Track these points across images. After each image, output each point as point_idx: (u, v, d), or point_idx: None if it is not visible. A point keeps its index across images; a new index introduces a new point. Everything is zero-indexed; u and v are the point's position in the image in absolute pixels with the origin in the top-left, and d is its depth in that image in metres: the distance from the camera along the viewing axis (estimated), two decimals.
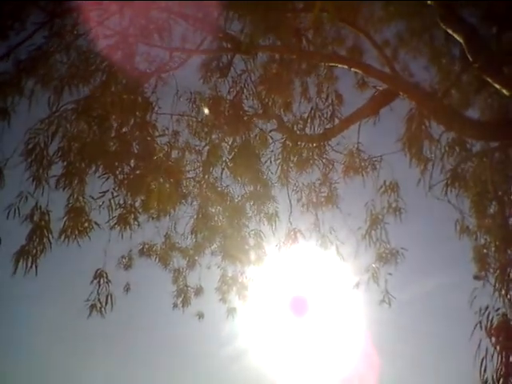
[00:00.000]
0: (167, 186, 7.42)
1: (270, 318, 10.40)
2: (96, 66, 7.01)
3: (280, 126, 8.59)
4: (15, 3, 6.93)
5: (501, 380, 6.05)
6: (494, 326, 6.22)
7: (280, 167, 8.77)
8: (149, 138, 7.42)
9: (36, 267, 6.66)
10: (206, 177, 9.19)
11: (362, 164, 8.65)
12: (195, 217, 9.44)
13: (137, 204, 7.55)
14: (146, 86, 7.52)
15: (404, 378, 11.80)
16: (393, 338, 11.68)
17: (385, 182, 8.43)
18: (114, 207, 7.23)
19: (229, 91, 8.73)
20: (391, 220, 8.46)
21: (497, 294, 6.55)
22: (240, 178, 8.93)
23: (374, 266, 8.56)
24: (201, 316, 10.39)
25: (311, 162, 8.77)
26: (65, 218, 7.02)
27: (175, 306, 10.18)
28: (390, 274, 8.55)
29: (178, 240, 9.89)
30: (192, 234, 9.60)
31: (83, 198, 7.11)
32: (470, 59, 6.83)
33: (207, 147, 8.98)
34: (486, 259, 7.87)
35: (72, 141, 7.03)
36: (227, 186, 9.33)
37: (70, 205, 7.08)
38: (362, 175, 8.65)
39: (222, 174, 9.08)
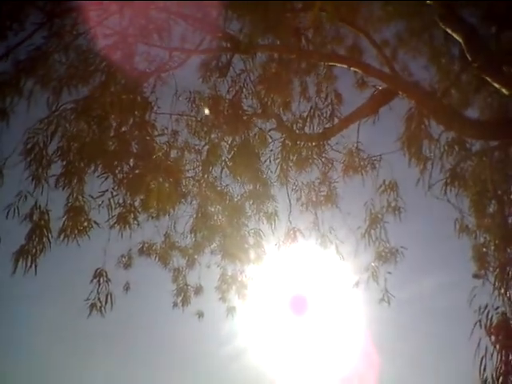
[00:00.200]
0: (167, 185, 7.42)
1: (269, 316, 10.40)
2: (95, 65, 7.00)
3: (279, 126, 8.59)
4: (14, 3, 6.93)
5: (500, 378, 6.06)
6: (494, 324, 6.23)
7: (279, 166, 8.76)
8: (148, 138, 7.42)
9: (35, 267, 6.67)
10: (206, 176, 9.19)
11: (362, 163, 8.65)
12: (195, 216, 9.44)
13: (136, 203, 7.56)
14: (146, 86, 7.53)
15: (404, 376, 11.82)
16: (392, 337, 11.71)
17: (384, 181, 8.43)
18: (113, 206, 7.23)
19: (228, 91, 8.75)
20: (391, 219, 8.46)
21: (496, 292, 6.56)
22: (239, 178, 8.92)
23: (373, 264, 8.56)
24: (200, 315, 10.39)
25: (310, 161, 8.77)
26: (64, 218, 7.02)
27: (175, 305, 10.18)
28: (389, 272, 8.56)
29: (178, 239, 9.90)
30: (191, 233, 9.61)
31: (83, 197, 7.11)
32: (470, 59, 6.84)
33: (206, 146, 8.98)
34: (486, 258, 7.87)
35: (71, 140, 7.03)
36: (227, 185, 9.35)
37: (69, 204, 7.08)
38: (362, 174, 8.65)
39: (221, 173, 9.09)
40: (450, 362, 11.50)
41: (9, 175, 6.89)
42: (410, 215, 8.61)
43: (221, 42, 8.03)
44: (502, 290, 6.58)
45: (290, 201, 9.14)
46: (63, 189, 7.00)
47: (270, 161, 8.81)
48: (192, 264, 10.09)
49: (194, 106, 8.99)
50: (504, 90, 6.62)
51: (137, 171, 7.29)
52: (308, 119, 8.38)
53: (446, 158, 7.80)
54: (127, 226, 7.43)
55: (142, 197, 7.51)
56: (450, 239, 8.53)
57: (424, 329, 12.37)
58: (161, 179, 7.30)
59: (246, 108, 8.65)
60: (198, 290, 10.30)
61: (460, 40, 6.93)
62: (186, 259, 10.06)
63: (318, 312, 9.83)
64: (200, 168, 9.19)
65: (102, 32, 7.03)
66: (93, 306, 7.29)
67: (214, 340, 12.37)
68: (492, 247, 7.81)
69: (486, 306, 6.31)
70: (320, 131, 8.37)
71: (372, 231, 8.39)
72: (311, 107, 8.53)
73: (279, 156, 8.73)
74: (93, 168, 6.99)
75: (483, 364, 6.06)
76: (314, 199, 9.23)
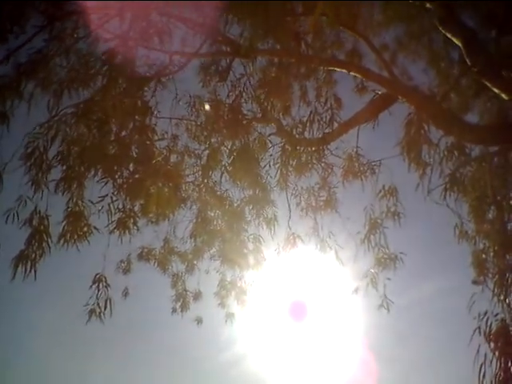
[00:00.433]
0: (166, 190, 7.42)
1: (268, 322, 10.39)
2: (96, 69, 7.01)
3: (279, 130, 8.60)
4: (15, 6, 6.94)
5: None
6: (493, 331, 6.20)
7: (279, 171, 8.76)
8: (148, 142, 7.41)
9: (35, 272, 6.63)
10: (205, 181, 9.20)
11: (361, 168, 8.64)
12: (194, 221, 9.45)
13: (136, 208, 7.54)
14: (146, 90, 7.52)
15: (403, 383, 11.79)
16: (391, 343, 11.69)
17: (384, 186, 8.42)
18: (113, 211, 7.19)
19: (228, 95, 8.76)
20: (390, 224, 8.46)
21: (496, 299, 6.53)
22: (239, 182, 8.92)
23: (372, 270, 8.54)
24: (199, 321, 10.38)
25: (310, 166, 8.75)
26: (64, 223, 6.99)
27: (174, 310, 10.17)
28: (388, 278, 8.53)
29: (177, 244, 9.91)
30: (191, 238, 9.61)
31: (82, 202, 7.08)
32: (469, 63, 6.85)
33: (206, 151, 8.99)
34: (485, 264, 7.85)
35: (71, 145, 7.02)
36: (226, 190, 9.35)
37: (69, 209, 7.05)
38: (361, 179, 8.64)
39: (221, 177, 9.09)
40: (450, 368, 11.48)
41: (9, 180, 6.87)
42: (410, 220, 8.61)
43: (221, 46, 8.07)
44: (502, 297, 6.55)
45: (289, 206, 9.15)
46: (63, 194, 6.98)
47: (270, 165, 8.82)
48: (191, 269, 10.08)
49: (194, 110, 9.01)
50: (503, 95, 6.63)
51: (137, 176, 7.28)
52: (308, 124, 8.38)
53: (445, 163, 7.79)
54: (127, 231, 7.41)
55: (141, 202, 7.50)
56: (449, 245, 8.53)
57: (423, 335, 12.35)
58: (160, 184, 7.30)
59: (245, 112, 8.66)
60: (197, 296, 10.29)
61: (459, 44, 6.94)
62: (186, 264, 10.06)
63: (318, 318, 9.82)
64: (200, 173, 9.19)
65: (102, 36, 7.04)
66: (92, 311, 7.27)
67: (213, 346, 12.35)
68: (491, 253, 7.79)
69: (486, 313, 6.28)
70: (320, 136, 8.36)
71: (371, 236, 8.37)
72: (311, 112, 8.54)
73: (279, 161, 8.72)
74: (93, 173, 6.97)
75: (482, 371, 6.03)
76: (313, 204, 9.23)
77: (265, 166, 8.82)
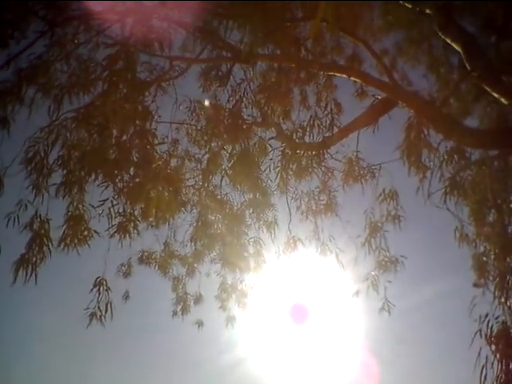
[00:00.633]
0: (166, 194, 7.42)
1: (269, 325, 10.40)
2: (96, 74, 7.02)
3: (279, 134, 8.60)
4: (16, 12, 6.95)
5: None
6: (494, 333, 6.20)
7: (279, 175, 8.76)
8: (148, 147, 7.42)
9: (36, 276, 6.65)
10: (206, 185, 9.22)
11: (361, 172, 8.64)
12: (195, 224, 9.47)
13: (136, 212, 7.55)
14: (146, 95, 7.53)
15: None
16: (392, 346, 11.68)
17: (384, 190, 8.42)
18: (113, 215, 7.21)
19: (228, 100, 8.78)
20: (390, 228, 8.45)
21: (496, 301, 6.53)
22: (239, 186, 8.94)
23: (373, 273, 8.53)
24: (200, 324, 10.38)
25: (310, 170, 8.75)
26: (64, 227, 7.01)
27: (175, 313, 10.17)
28: (389, 281, 8.52)
29: (178, 248, 9.91)
30: (191, 241, 9.63)
31: (83, 206, 7.10)
32: (469, 68, 6.87)
33: (207, 155, 9.01)
34: (486, 267, 7.86)
35: (72, 149, 7.03)
36: (226, 193, 9.37)
37: (69, 213, 7.07)
38: (361, 183, 8.64)
39: (221, 181, 9.13)
40: (451, 371, 11.47)
41: (9, 184, 6.88)
42: (410, 224, 8.61)
43: (221, 52, 8.08)
44: (503, 299, 6.56)
45: (289, 209, 9.16)
46: (63, 198, 6.99)
47: (270, 169, 8.82)
48: (192, 273, 10.09)
49: (194, 114, 9.03)
50: (503, 100, 6.64)
51: (137, 180, 7.28)
52: (308, 128, 8.40)
53: (445, 166, 7.79)
54: (127, 235, 7.42)
55: (142, 206, 7.50)
56: (449, 248, 8.54)
57: (424, 338, 12.35)
58: (161, 188, 7.29)
59: (246, 117, 8.68)
60: (198, 299, 10.30)
61: (459, 49, 6.96)
62: (186, 268, 10.07)
63: (318, 321, 9.82)
64: (200, 177, 9.21)
65: (103, 41, 7.06)
66: (93, 314, 7.26)
67: (214, 349, 12.34)
68: (492, 256, 7.79)
69: (487, 315, 6.28)
70: (320, 140, 8.37)
71: (372, 240, 8.37)
72: (311, 116, 8.56)
73: (279, 165, 8.73)
74: (93, 177, 6.98)
75: (483, 373, 6.03)
76: (313, 208, 9.23)
77: (265, 169, 8.84)
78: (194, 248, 9.73)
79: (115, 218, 7.25)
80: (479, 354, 6.10)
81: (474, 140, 7.11)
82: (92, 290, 7.25)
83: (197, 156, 9.22)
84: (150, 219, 8.37)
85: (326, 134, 8.39)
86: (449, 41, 7.06)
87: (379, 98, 7.78)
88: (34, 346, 14.10)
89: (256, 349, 11.08)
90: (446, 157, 7.80)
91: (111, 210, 7.18)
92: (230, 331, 10.36)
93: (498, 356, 6.10)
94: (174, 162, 8.74)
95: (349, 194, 8.91)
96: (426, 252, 11.19)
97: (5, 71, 6.94)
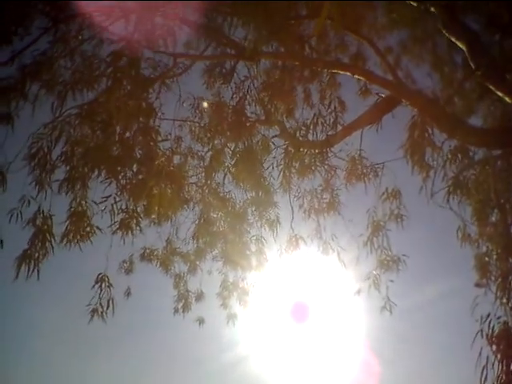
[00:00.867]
0: (169, 191, 7.43)
1: (270, 324, 10.39)
2: (100, 71, 7.03)
3: (282, 132, 8.60)
4: (20, 8, 6.96)
5: None
6: (495, 334, 6.17)
7: (282, 173, 8.76)
8: (151, 144, 7.43)
9: (38, 271, 6.65)
10: (208, 182, 9.21)
11: (364, 171, 8.64)
12: (197, 222, 9.47)
13: (139, 209, 7.55)
14: (150, 92, 7.53)
15: None
16: (394, 345, 11.67)
17: (387, 188, 8.43)
18: (116, 212, 7.22)
19: (232, 97, 8.78)
20: (393, 227, 8.46)
21: (498, 302, 6.50)
22: (242, 184, 8.95)
23: (375, 272, 8.53)
24: (201, 321, 10.38)
25: (313, 168, 8.75)
26: (67, 223, 7.02)
27: (176, 311, 10.18)
28: (391, 281, 8.53)
29: (180, 245, 9.92)
30: (193, 239, 9.63)
31: (86, 202, 7.12)
32: (473, 66, 6.85)
33: (210, 153, 9.00)
34: (488, 267, 7.86)
35: (75, 145, 7.05)
36: (229, 191, 9.37)
37: (72, 209, 7.08)
38: (364, 182, 8.64)
39: (224, 179, 9.12)
40: (452, 371, 11.48)
41: (12, 180, 6.90)
42: (413, 223, 8.61)
43: (225, 49, 8.08)
44: (504, 300, 6.53)
45: (292, 208, 9.16)
46: (66, 194, 7.00)
47: (273, 167, 8.83)
48: (193, 270, 10.09)
49: (197, 112, 9.03)
50: (507, 99, 6.62)
51: (140, 177, 7.29)
52: (311, 126, 8.39)
53: (448, 166, 7.79)
54: (129, 232, 7.43)
55: (144, 202, 7.51)
56: (452, 248, 8.54)
57: (426, 337, 12.34)
58: (163, 185, 7.31)
59: (249, 114, 8.69)
60: (199, 297, 10.30)
61: (463, 48, 6.94)
62: (188, 265, 10.07)
63: (320, 320, 9.82)
64: (203, 174, 9.21)
65: (107, 37, 7.06)
66: (94, 311, 7.28)
67: (215, 346, 12.34)
68: (494, 256, 7.79)
69: (488, 316, 6.26)
70: (323, 138, 8.37)
71: (374, 239, 8.37)
72: (314, 114, 8.55)
73: (282, 163, 8.73)
74: (96, 173, 6.98)
75: (484, 373, 6.00)
76: (316, 206, 9.22)
77: (268, 167, 8.85)
78: (195, 245, 9.74)
79: (118, 214, 7.27)
80: (480, 354, 6.08)
81: (477, 139, 7.10)
82: (94, 286, 7.27)
83: (200, 153, 9.22)
84: (153, 216, 8.37)
85: (330, 133, 8.38)
86: (453, 39, 7.05)
87: (383, 96, 7.76)
88: (35, 342, 14.11)
89: (257, 347, 11.09)
90: (449, 156, 7.79)
91: (114, 206, 7.19)
92: (231, 329, 10.38)
93: (498, 356, 6.08)
94: (176, 159, 8.74)
95: (352, 192, 8.92)
96: (428, 251, 11.18)
97: (9, 67, 6.96)
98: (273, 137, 8.83)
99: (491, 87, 6.74)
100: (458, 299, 9.68)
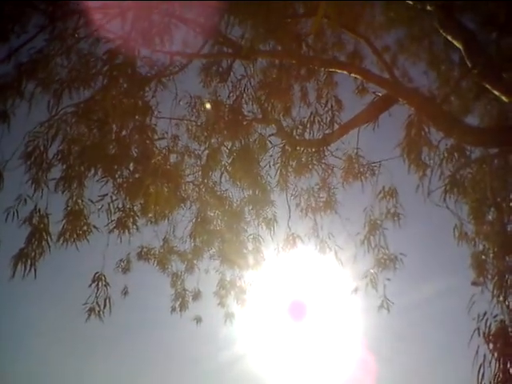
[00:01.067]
0: (166, 189, 7.42)
1: (268, 322, 10.40)
2: (96, 69, 7.01)
3: (279, 131, 8.60)
4: (16, 6, 6.94)
5: None
6: (492, 332, 6.19)
7: (279, 172, 8.77)
8: (148, 142, 7.42)
9: (35, 270, 6.64)
10: (205, 181, 9.21)
11: (361, 169, 8.64)
12: (194, 221, 9.46)
13: (135, 208, 7.55)
14: (146, 90, 7.52)
15: (402, 383, 11.80)
16: (391, 344, 11.69)
17: (383, 187, 8.42)
18: (112, 211, 7.22)
19: (228, 96, 8.77)
20: (390, 225, 8.45)
21: (495, 300, 6.53)
22: (239, 183, 8.95)
23: (372, 271, 8.52)
24: (199, 320, 10.38)
25: (310, 166, 8.76)
26: (64, 221, 7.02)
27: (173, 309, 10.17)
28: (388, 279, 8.52)
29: (177, 244, 9.92)
30: (190, 237, 9.62)
31: (82, 201, 7.11)
32: (469, 65, 6.85)
33: (206, 151, 9.00)
34: (485, 265, 7.86)
35: (71, 144, 7.03)
36: (226, 190, 9.37)
37: (69, 208, 7.08)
38: (361, 181, 8.65)
39: (220, 178, 9.11)
40: (449, 369, 11.50)
41: (9, 178, 6.88)
42: (410, 222, 8.61)
43: (222, 47, 8.07)
44: (501, 298, 6.55)
45: (289, 206, 9.16)
46: (63, 192, 7.00)
47: (270, 166, 8.84)
48: (191, 269, 10.09)
49: (194, 110, 9.02)
50: (504, 97, 6.63)
51: (136, 175, 7.28)
52: (308, 125, 8.41)
53: (445, 164, 7.78)
54: (126, 231, 7.44)
55: (141, 201, 7.51)
56: (449, 246, 8.53)
57: (423, 336, 12.36)
58: (160, 184, 7.29)
59: (246, 113, 8.69)
60: (197, 295, 10.31)
61: (460, 46, 6.94)
62: (185, 264, 10.07)
63: (317, 318, 9.83)
64: (200, 173, 9.20)
65: (103, 36, 7.04)
66: (91, 310, 7.29)
67: (212, 345, 12.35)
68: (491, 255, 7.79)
69: (485, 314, 6.28)
70: (320, 137, 8.38)
71: (371, 237, 8.37)
72: (311, 113, 8.57)
73: (279, 161, 8.73)
74: (93, 172, 6.97)
75: (481, 372, 6.02)
76: (313, 205, 9.23)
77: (265, 166, 8.86)
78: (193, 244, 9.74)
79: (114, 213, 7.28)
80: (477, 352, 6.09)
81: (474, 138, 7.10)
82: (91, 285, 7.28)
83: (196, 152, 9.21)
84: (150, 215, 8.37)
85: (326, 131, 8.39)
86: (449, 38, 7.05)
87: (380, 94, 7.76)
88: (32, 341, 14.11)
89: (255, 346, 11.11)
90: (446, 155, 7.78)
91: (110, 205, 7.19)
92: (228, 328, 10.38)
93: (495, 354, 6.10)
94: (173, 158, 8.73)
95: (348, 191, 8.93)
96: (425, 250, 11.20)
97: (5, 65, 6.94)
98: (269, 135, 8.84)
99: (488, 86, 6.74)
100: (455, 298, 9.69)
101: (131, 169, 7.32)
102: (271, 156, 8.81)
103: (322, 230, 9.16)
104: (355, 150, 8.64)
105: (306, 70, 8.56)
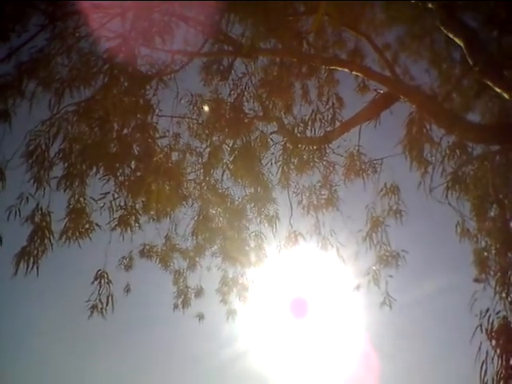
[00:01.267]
0: (168, 187, 7.44)
1: (270, 319, 10.41)
2: (97, 68, 7.02)
3: (281, 129, 8.60)
4: (17, 5, 6.95)
5: (501, 383, 6.05)
6: (495, 328, 6.21)
7: (280, 169, 8.78)
8: (150, 140, 7.43)
9: (37, 268, 6.67)
10: (207, 179, 9.21)
11: (363, 167, 8.64)
12: (196, 218, 9.47)
13: (137, 205, 7.56)
14: (148, 89, 7.52)
15: (404, 380, 11.81)
16: (393, 340, 11.69)
17: (385, 184, 8.43)
18: (114, 209, 7.24)
19: (230, 94, 8.77)
20: (392, 222, 8.46)
21: (497, 296, 6.55)
22: (241, 180, 8.95)
23: (374, 268, 8.52)
24: (201, 317, 10.40)
25: (312, 164, 8.77)
26: (66, 220, 7.04)
27: (175, 307, 10.19)
28: (390, 276, 8.52)
29: (179, 241, 9.92)
30: (192, 235, 9.63)
31: (84, 199, 7.13)
32: (471, 63, 6.85)
33: (208, 149, 9.00)
34: (487, 262, 7.88)
35: (73, 142, 7.05)
36: (228, 187, 9.37)
37: (70, 206, 7.10)
38: (363, 178, 8.65)
39: (222, 175, 9.11)
40: (451, 365, 11.50)
41: (11, 177, 6.90)
42: (411, 219, 8.60)
43: (223, 46, 8.08)
44: (503, 295, 6.58)
45: (291, 204, 9.18)
46: (65, 191, 7.02)
47: (272, 164, 8.85)
48: (193, 266, 10.10)
49: (195, 108, 9.02)
50: (505, 95, 6.62)
51: (138, 173, 7.30)
52: (309, 123, 8.41)
53: (447, 161, 7.80)
54: (128, 228, 7.44)
55: (143, 199, 7.52)
56: (451, 243, 8.55)
57: (425, 332, 12.37)
58: (162, 182, 7.31)
59: (247, 111, 8.69)
60: (199, 293, 10.31)
61: (461, 44, 6.93)
62: (187, 261, 10.08)
63: (319, 315, 9.84)
64: (201, 171, 9.21)
65: (104, 34, 7.05)
66: (94, 307, 7.32)
67: (215, 342, 12.37)
68: (493, 251, 7.81)
69: (487, 310, 6.30)
70: (321, 135, 8.38)
71: (373, 234, 8.38)
72: (312, 111, 8.57)
73: (280, 159, 8.75)
74: (94, 170, 7.00)
75: (484, 368, 6.04)
76: (315, 202, 9.24)
77: (266, 164, 8.86)
78: (195, 242, 9.74)
79: (116, 211, 7.28)
80: (480, 348, 6.12)
81: (475, 135, 7.10)
82: (93, 282, 7.30)
83: (198, 150, 9.22)
84: (152, 212, 8.39)
85: (328, 129, 8.39)
86: (451, 35, 7.04)
87: (381, 92, 7.76)
88: (34, 339, 14.14)
89: (257, 343, 11.12)
90: (447, 152, 7.80)
91: (112, 203, 7.21)
92: (230, 325, 10.39)
93: (498, 351, 6.12)
94: (175, 156, 8.73)
95: (350, 188, 8.94)
96: (427, 247, 11.18)
97: (6, 64, 6.96)
98: (271, 133, 8.84)
99: (489, 83, 6.74)
100: (457, 294, 9.70)
101: (133, 167, 7.34)
102: (273, 154, 8.84)
103: (323, 228, 9.19)
104: (357, 148, 8.65)
105: (306, 67, 8.55)
